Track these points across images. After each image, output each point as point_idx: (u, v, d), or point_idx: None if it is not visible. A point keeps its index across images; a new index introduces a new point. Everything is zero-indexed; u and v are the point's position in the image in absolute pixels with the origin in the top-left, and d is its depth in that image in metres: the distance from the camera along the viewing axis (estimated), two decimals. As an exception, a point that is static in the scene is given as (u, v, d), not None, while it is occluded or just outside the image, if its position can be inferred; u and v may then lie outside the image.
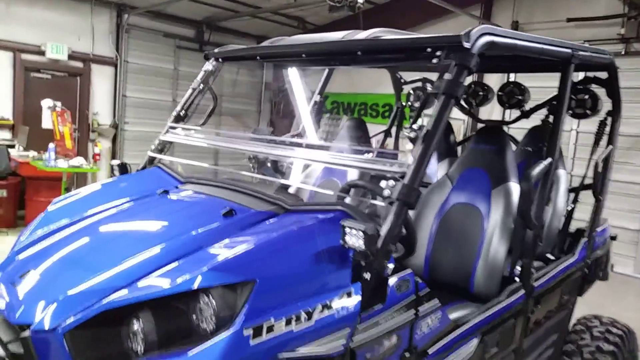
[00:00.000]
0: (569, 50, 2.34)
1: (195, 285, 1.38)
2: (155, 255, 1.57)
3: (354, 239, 1.49)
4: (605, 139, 3.07)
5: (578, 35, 7.08)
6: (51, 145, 6.33)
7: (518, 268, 2.31)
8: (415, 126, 1.76)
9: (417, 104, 4.05)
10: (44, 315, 1.42)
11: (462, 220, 2.56)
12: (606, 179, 2.94)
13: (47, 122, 7.29)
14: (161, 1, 8.70)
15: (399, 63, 2.87)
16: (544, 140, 3.18)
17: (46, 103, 6.46)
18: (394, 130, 4.15)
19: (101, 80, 9.31)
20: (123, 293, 1.43)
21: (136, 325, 1.38)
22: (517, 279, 2.30)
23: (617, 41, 6.94)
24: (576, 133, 7.65)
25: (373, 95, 9.97)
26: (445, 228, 2.60)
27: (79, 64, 8.98)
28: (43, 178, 6.51)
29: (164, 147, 2.69)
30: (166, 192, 2.15)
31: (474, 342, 1.99)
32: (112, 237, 1.80)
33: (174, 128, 2.71)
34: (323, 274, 1.50)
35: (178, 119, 2.76)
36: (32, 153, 7.20)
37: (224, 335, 1.29)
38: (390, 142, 4.28)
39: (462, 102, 3.92)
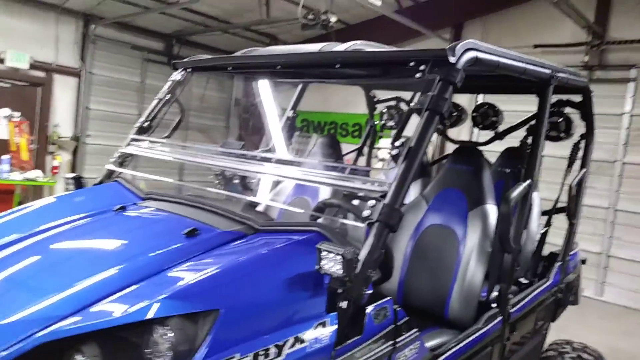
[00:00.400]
0: (548, 71, 2.32)
1: (150, 315, 1.22)
2: (106, 279, 1.41)
3: (331, 263, 1.37)
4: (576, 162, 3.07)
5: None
6: (5, 157, 6.00)
7: (495, 293, 2.23)
8: (397, 143, 1.66)
9: (390, 123, 3.99)
10: None
11: (437, 242, 2.47)
12: (579, 202, 2.92)
13: (2, 132, 6.95)
14: (130, 12, 8.49)
15: (379, 78, 2.79)
16: (519, 162, 3.15)
17: (3, 112, 6.14)
18: (366, 149, 4.08)
19: (64, 91, 8.97)
20: (66, 322, 1.26)
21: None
22: (493, 304, 2.21)
23: (581, 68, 7.12)
24: (540, 157, 7.76)
25: (343, 115, 9.95)
26: (420, 250, 2.50)
27: (41, 74, 8.63)
28: (-4, 190, 6.16)
29: (124, 160, 2.51)
30: (123, 208, 1.99)
31: None
32: (59, 257, 1.62)
33: (136, 140, 2.55)
34: (295, 302, 1.36)
35: (141, 130, 2.60)
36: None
37: None
38: (362, 161, 4.20)
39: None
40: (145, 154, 2.43)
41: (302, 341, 1.30)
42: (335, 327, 1.37)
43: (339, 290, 1.39)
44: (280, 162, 1.98)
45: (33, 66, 8.42)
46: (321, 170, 1.79)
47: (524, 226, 2.32)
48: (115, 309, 1.27)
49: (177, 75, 2.71)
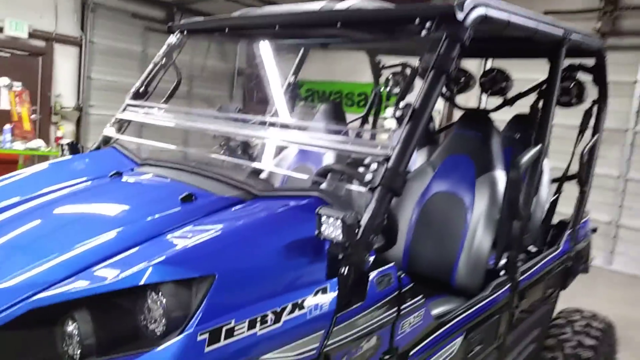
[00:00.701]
0: (561, 32, 2.20)
1: (143, 281, 1.16)
2: (99, 244, 1.36)
3: (331, 229, 1.30)
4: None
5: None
6: (7, 127, 5.94)
7: (503, 260, 2.17)
8: (401, 104, 1.57)
9: (396, 90, 3.88)
10: None
11: (444, 210, 2.40)
12: (591, 169, 2.83)
13: (4, 102, 6.86)
14: (129, -21, 8.30)
15: (382, 39, 2.67)
16: (529, 128, 3.05)
17: (2, 82, 6.05)
18: (371, 119, 3.98)
19: (65, 61, 8.84)
20: (56, 288, 1.21)
21: (71, 327, 1.16)
22: (502, 272, 2.15)
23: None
24: (551, 122, 7.64)
25: (349, 84, 9.79)
26: (425, 218, 2.44)
27: (41, 43, 8.49)
28: (-1, 160, 6.12)
29: (120, 127, 2.44)
30: (119, 174, 1.92)
31: (458, 340, 1.84)
32: (51, 223, 1.56)
33: (132, 106, 2.47)
34: (294, 268, 1.31)
35: (137, 95, 2.52)
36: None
37: (174, 340, 1.09)
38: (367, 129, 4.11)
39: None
40: (141, 120, 2.35)
41: (301, 307, 1.25)
42: (336, 293, 1.31)
43: (340, 256, 1.34)
44: (280, 126, 1.89)
45: (32, 35, 8.28)
46: (322, 134, 1.71)
47: (534, 193, 2.25)
48: (107, 275, 1.22)
49: (172, 39, 2.60)
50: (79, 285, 1.21)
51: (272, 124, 1.93)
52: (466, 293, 2.11)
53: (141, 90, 2.53)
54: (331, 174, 2.33)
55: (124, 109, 2.46)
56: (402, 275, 1.52)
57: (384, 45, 3.38)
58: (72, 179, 1.92)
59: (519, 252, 2.16)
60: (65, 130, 8.63)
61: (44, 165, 2.13)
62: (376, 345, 1.46)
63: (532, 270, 2.35)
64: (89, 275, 1.24)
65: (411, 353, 1.60)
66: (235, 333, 1.14)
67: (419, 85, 1.69)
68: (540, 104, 2.40)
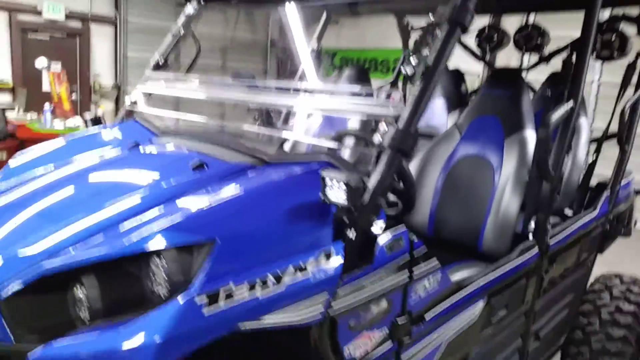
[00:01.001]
0: None
1: (145, 247, 1.17)
2: (107, 213, 1.37)
3: (335, 192, 1.26)
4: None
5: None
6: (47, 107, 6.14)
7: (532, 224, 2.07)
8: (413, 61, 1.50)
9: (425, 52, 3.74)
10: None
11: (471, 173, 2.31)
12: (633, 127, 2.65)
13: (47, 84, 7.08)
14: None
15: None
16: (565, 86, 2.88)
17: (40, 63, 6.23)
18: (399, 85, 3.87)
19: (101, 41, 9.03)
20: (65, 255, 1.23)
21: (80, 292, 1.18)
22: (530, 236, 2.06)
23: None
24: (598, 85, 7.24)
25: (383, 51, 9.58)
26: (452, 182, 2.36)
27: (78, 24, 8.70)
28: (40, 140, 6.32)
29: (142, 99, 2.45)
30: (137, 145, 1.94)
31: (479, 305, 1.78)
32: (65, 194, 1.59)
33: (152, 78, 2.47)
34: (298, 232, 1.28)
35: (157, 67, 2.52)
36: (31, 115, 7.02)
37: (173, 304, 1.09)
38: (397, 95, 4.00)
39: (476, 47, 3.62)
40: (160, 92, 2.35)
41: (303, 270, 1.22)
42: (341, 256, 1.28)
43: (345, 220, 1.30)
44: (292, 91, 1.85)
45: (69, 17, 8.48)
46: (332, 97, 1.65)
47: (567, 152, 2.13)
48: (112, 242, 1.23)
49: (190, 9, 2.57)
50: (86, 251, 1.22)
51: (285, 89, 1.89)
52: (493, 258, 2.04)
53: (161, 62, 2.52)
54: (346, 139, 2.29)
55: (145, 82, 2.47)
56: (415, 240, 1.47)
57: (410, 5, 3.25)
58: (92, 150, 1.95)
59: (549, 215, 2.06)
60: (105, 109, 8.87)
61: (68, 138, 2.17)
62: (387, 308, 1.43)
63: (563, 233, 2.24)
64: (96, 241, 1.26)
65: (427, 317, 1.56)
66: (234, 296, 1.13)
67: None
68: (574, 58, 2.24)
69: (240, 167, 1.56)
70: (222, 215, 1.27)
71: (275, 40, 10.87)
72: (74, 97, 7.61)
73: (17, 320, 1.22)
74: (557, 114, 1.96)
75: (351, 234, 1.30)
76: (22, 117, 6.89)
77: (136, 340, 1.06)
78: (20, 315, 1.22)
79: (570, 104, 2.03)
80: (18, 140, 6.64)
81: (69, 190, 1.60)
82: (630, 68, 2.74)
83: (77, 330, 1.17)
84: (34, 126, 6.25)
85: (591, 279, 2.81)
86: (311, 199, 1.31)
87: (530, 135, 2.22)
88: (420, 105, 1.43)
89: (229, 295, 1.13)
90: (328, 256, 1.27)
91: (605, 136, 2.80)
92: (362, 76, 3.11)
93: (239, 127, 2.05)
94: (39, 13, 8.13)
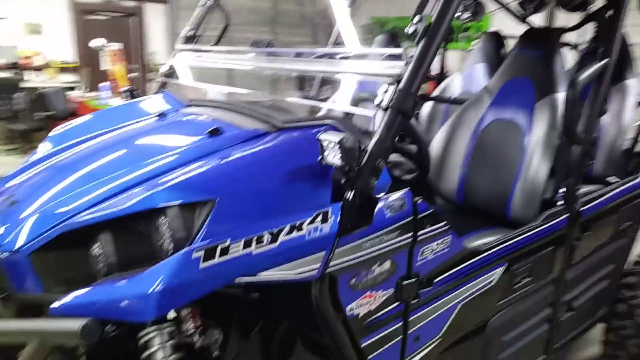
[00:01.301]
0: None
1: (152, 205, 1.25)
2: (124, 176, 1.45)
3: (332, 154, 1.28)
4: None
5: None
6: (103, 84, 6.45)
7: (562, 190, 1.99)
8: (415, 19, 1.45)
9: (466, 15, 3.60)
10: (12, 237, 1.36)
11: (500, 138, 2.24)
12: None
13: (104, 63, 7.43)
14: None
15: None
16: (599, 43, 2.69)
17: (95, 43, 6.53)
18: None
19: (155, 19, 9.30)
20: (84, 214, 1.33)
21: (98, 248, 1.28)
22: (560, 202, 1.98)
23: None
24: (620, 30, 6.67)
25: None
26: (481, 148, 2.29)
27: (133, 3, 8.99)
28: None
29: (173, 72, 2.54)
30: (163, 114, 2.02)
31: (498, 270, 1.75)
32: (92, 159, 1.70)
33: (183, 50, 2.54)
34: (296, 194, 1.31)
35: (187, 40, 2.59)
36: (94, 93, 7.41)
37: (172, 258, 1.16)
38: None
39: (516, 9, 3.43)
40: (187, 64, 2.43)
41: (299, 229, 1.25)
42: (339, 217, 1.30)
43: (343, 181, 1.31)
44: (305, 56, 1.85)
45: (126, -4, 8.79)
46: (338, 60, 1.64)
47: (600, 114, 2.01)
48: (125, 201, 1.31)
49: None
50: (102, 211, 1.31)
51: (300, 54, 1.89)
52: (521, 225, 1.98)
53: (190, 34, 2.58)
54: (360, 102, 2.27)
55: (175, 55, 2.55)
56: (419, 201, 1.46)
57: None
58: (125, 120, 2.06)
59: (579, 180, 1.96)
60: (161, 86, 9.17)
61: (103, 111, 2.30)
62: (391, 269, 1.43)
63: (599, 200, 2.13)
64: (110, 203, 1.34)
65: (436, 280, 1.55)
66: (230, 251, 1.18)
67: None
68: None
69: (253, 133, 1.59)
70: (224, 176, 1.32)
71: (323, 10, 10.75)
72: (132, 75, 7.93)
73: (46, 273, 1.32)
74: (587, 74, 1.85)
75: (349, 195, 1.31)
76: (83, 95, 7.30)
77: (138, 290, 1.15)
78: (48, 268, 1.32)
79: (604, 62, 1.91)
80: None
81: (94, 157, 1.71)
82: None
83: (95, 283, 1.27)
84: (92, 103, 6.60)
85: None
86: (311, 161, 1.33)
87: (563, 98, 2.11)
88: (422, 65, 1.40)
89: (225, 251, 1.18)
90: (325, 216, 1.29)
91: None
92: (392, 42, 3.05)
93: (258, 95, 2.09)
94: (97, -6, 8.49)
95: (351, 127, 1.50)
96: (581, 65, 2.75)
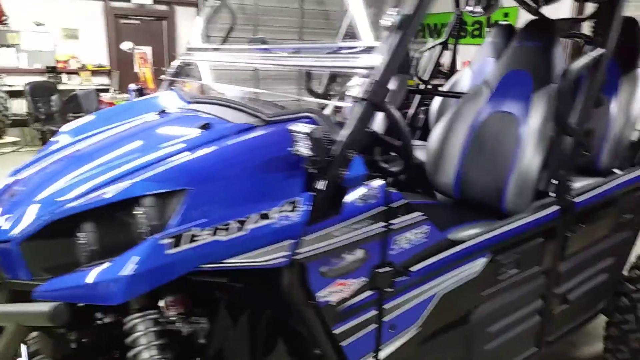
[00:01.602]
0: None
1: (130, 195, 1.32)
2: (115, 169, 1.52)
3: (302, 144, 1.33)
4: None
5: None
6: (131, 86, 6.66)
7: (554, 181, 1.98)
8: (393, 11, 1.48)
9: (478, 9, 3.57)
10: (7, 227, 1.44)
11: (498, 131, 2.23)
12: None
13: (135, 65, 7.69)
14: None
15: None
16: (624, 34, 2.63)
17: (125, 45, 6.76)
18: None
19: (186, 23, 9.53)
20: (70, 204, 1.41)
21: (81, 236, 1.36)
22: (553, 193, 1.97)
23: None
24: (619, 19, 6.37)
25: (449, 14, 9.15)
26: (479, 141, 2.29)
27: (164, 7, 9.25)
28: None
29: (180, 70, 2.64)
30: (164, 111, 2.11)
31: (481, 261, 1.75)
32: (86, 155, 1.79)
33: (192, 49, 2.64)
34: (268, 184, 1.36)
35: (197, 40, 2.68)
36: (124, 95, 7.68)
37: (141, 245, 1.23)
38: (447, 56, 3.87)
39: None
40: (198, 61, 2.51)
41: (268, 217, 1.30)
42: (308, 206, 1.34)
43: (313, 171, 1.35)
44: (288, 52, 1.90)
45: (156, 1, 9.04)
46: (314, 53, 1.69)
47: (598, 104, 1.98)
48: (108, 192, 1.38)
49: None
50: (88, 200, 1.39)
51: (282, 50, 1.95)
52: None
53: (199, 34, 2.67)
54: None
55: (184, 53, 2.65)
56: (393, 192, 1.48)
57: None
58: (130, 117, 2.16)
59: (571, 171, 1.95)
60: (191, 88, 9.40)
61: (113, 108, 2.42)
62: (363, 258, 1.46)
63: (594, 192, 2.10)
64: (98, 192, 1.42)
65: (413, 269, 1.57)
66: (197, 239, 1.24)
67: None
68: None
69: (240, 127, 1.65)
70: (200, 168, 1.37)
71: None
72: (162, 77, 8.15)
73: (35, 261, 1.40)
74: (579, 64, 1.84)
75: (319, 184, 1.35)
76: (114, 96, 7.57)
77: (108, 276, 1.22)
78: (37, 256, 1.40)
79: (600, 51, 1.89)
80: (111, 117, 7.33)
81: (91, 152, 1.80)
82: None
83: (75, 270, 1.34)
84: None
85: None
86: (284, 152, 1.38)
87: None
88: (396, 57, 1.43)
89: (193, 238, 1.24)
90: (295, 205, 1.33)
91: None
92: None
93: (252, 91, 2.15)
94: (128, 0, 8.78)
95: (327, 118, 1.55)
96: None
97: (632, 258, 2.55)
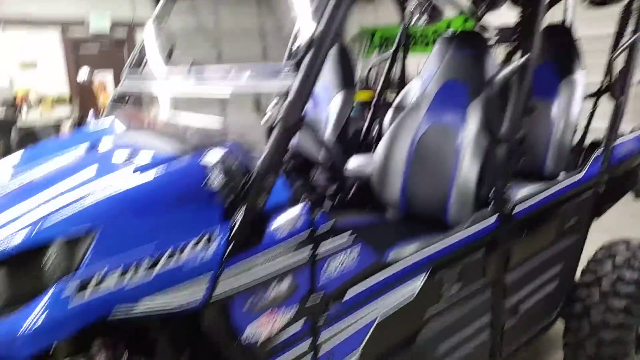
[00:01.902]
0: None
1: (38, 241, 1.23)
2: (26, 212, 1.45)
3: (216, 173, 1.29)
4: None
5: None
6: (90, 115, 6.56)
7: (492, 190, 1.96)
8: (300, 30, 1.45)
9: (422, 20, 3.60)
10: None
11: (437, 143, 2.23)
12: (629, 74, 2.41)
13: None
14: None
15: None
16: (562, 40, 2.68)
17: (81, 76, 6.64)
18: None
19: (147, 46, 9.44)
20: None
21: None
22: (492, 203, 1.95)
23: None
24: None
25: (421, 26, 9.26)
26: (420, 154, 2.28)
27: (123, 32, 9.14)
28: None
29: (121, 98, 2.58)
30: (96, 142, 2.05)
31: (421, 279, 1.70)
32: (18, 191, 1.69)
33: (128, 77, 2.59)
34: (182, 218, 1.28)
35: (133, 66, 2.64)
36: (85, 124, 7.55)
37: (42, 296, 1.16)
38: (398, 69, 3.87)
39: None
40: (135, 90, 2.46)
41: (181, 252, 1.23)
42: (226, 238, 1.28)
43: (229, 200, 1.31)
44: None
45: (115, 25, 8.93)
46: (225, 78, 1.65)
47: (528, 112, 1.99)
48: (16, 239, 1.27)
49: (160, 2, 2.65)
50: None
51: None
52: None
53: (135, 59, 2.63)
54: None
55: (123, 80, 2.59)
56: (318, 215, 1.44)
57: None
58: (58, 153, 2.07)
59: (507, 180, 1.93)
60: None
61: (48, 140, 2.34)
62: (291, 287, 1.40)
63: (534, 199, 2.09)
64: (6, 239, 1.33)
65: (347, 294, 1.52)
66: (105, 283, 1.16)
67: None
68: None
69: (164, 158, 1.58)
70: (107, 207, 1.29)
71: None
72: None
73: None
74: (504, 72, 1.84)
75: (236, 214, 1.30)
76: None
77: (8, 330, 1.14)
78: None
79: (524, 58, 1.90)
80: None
81: (7, 193, 1.71)
82: (626, 11, 2.49)
83: None
84: (80, 133, 6.71)
85: (598, 246, 2.60)
86: (198, 183, 1.33)
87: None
88: (310, 77, 1.39)
89: (100, 282, 1.16)
90: (210, 237, 1.27)
91: (602, 90, 2.57)
92: (343, 55, 3.07)
93: (187, 118, 2.10)
94: (86, 25, 8.65)
95: (248, 144, 1.50)
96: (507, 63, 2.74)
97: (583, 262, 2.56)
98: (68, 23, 8.61)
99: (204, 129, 1.94)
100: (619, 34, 2.52)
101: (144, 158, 1.62)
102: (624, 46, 2.40)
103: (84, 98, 8.10)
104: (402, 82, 3.77)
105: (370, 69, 7.95)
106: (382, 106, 3.68)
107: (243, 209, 1.31)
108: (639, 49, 2.41)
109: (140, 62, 2.64)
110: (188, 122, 2.18)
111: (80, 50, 8.85)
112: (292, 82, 1.39)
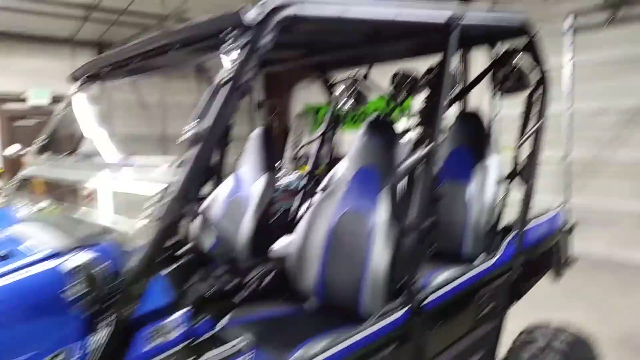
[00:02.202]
0: (446, 16, 1.93)
1: None
2: None
3: (78, 281, 1.17)
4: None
5: (562, 9, 6.56)
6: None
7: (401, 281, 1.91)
8: (191, 124, 1.41)
9: (348, 105, 3.71)
10: None
11: (352, 229, 2.18)
12: (536, 157, 2.50)
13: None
14: (136, 33, 8.67)
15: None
16: (475, 126, 2.77)
17: (9, 150, 6.39)
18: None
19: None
20: None
21: None
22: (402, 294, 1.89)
23: (601, 7, 6.36)
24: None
25: (371, 102, 9.63)
26: (336, 241, 2.22)
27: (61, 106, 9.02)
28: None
29: (22, 184, 2.44)
30: None
31: None
32: None
33: (33, 162, 2.47)
34: (34, 331, 1.15)
35: (40, 150, 2.53)
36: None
37: None
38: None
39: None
40: (37, 175, 2.34)
41: None
42: (85, 355, 1.15)
43: (92, 311, 1.18)
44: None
45: (55, 100, 8.80)
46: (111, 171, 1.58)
47: (436, 200, 1.98)
48: None
49: (73, 88, 2.59)
50: None
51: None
52: None
53: (44, 144, 2.52)
54: None
55: (27, 166, 2.47)
56: (204, 319, 1.33)
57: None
58: None
59: (416, 270, 1.89)
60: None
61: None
62: None
63: (446, 288, 2.05)
64: None
65: None
66: None
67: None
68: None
69: (39, 258, 1.45)
70: None
71: (262, 100, 11.02)
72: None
73: None
74: (408, 161, 1.85)
75: (100, 328, 1.18)
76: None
77: None
78: None
79: (428, 147, 1.91)
80: None
81: None
82: (531, 96, 2.62)
83: None
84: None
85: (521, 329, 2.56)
86: (56, 292, 1.20)
87: (402, 185, 2.10)
88: (195, 174, 1.32)
89: None
90: (67, 356, 1.14)
91: (515, 173, 2.64)
92: (266, 137, 3.07)
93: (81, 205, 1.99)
94: (25, 100, 8.48)
95: (125, 246, 1.39)
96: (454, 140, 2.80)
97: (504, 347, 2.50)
98: (4, 99, 8.43)
99: (90, 224, 1.81)
100: (525, 120, 2.63)
101: (17, 256, 1.49)
102: (530, 132, 2.50)
103: (14, 173, 7.76)
104: (331, 162, 3.81)
105: (301, 147, 8.08)
106: (313, 186, 3.68)
107: (108, 320, 1.19)
108: (543, 134, 2.52)
109: (47, 146, 2.55)
110: (81, 213, 2.06)
111: (16, 124, 8.61)
112: (173, 179, 1.32)
